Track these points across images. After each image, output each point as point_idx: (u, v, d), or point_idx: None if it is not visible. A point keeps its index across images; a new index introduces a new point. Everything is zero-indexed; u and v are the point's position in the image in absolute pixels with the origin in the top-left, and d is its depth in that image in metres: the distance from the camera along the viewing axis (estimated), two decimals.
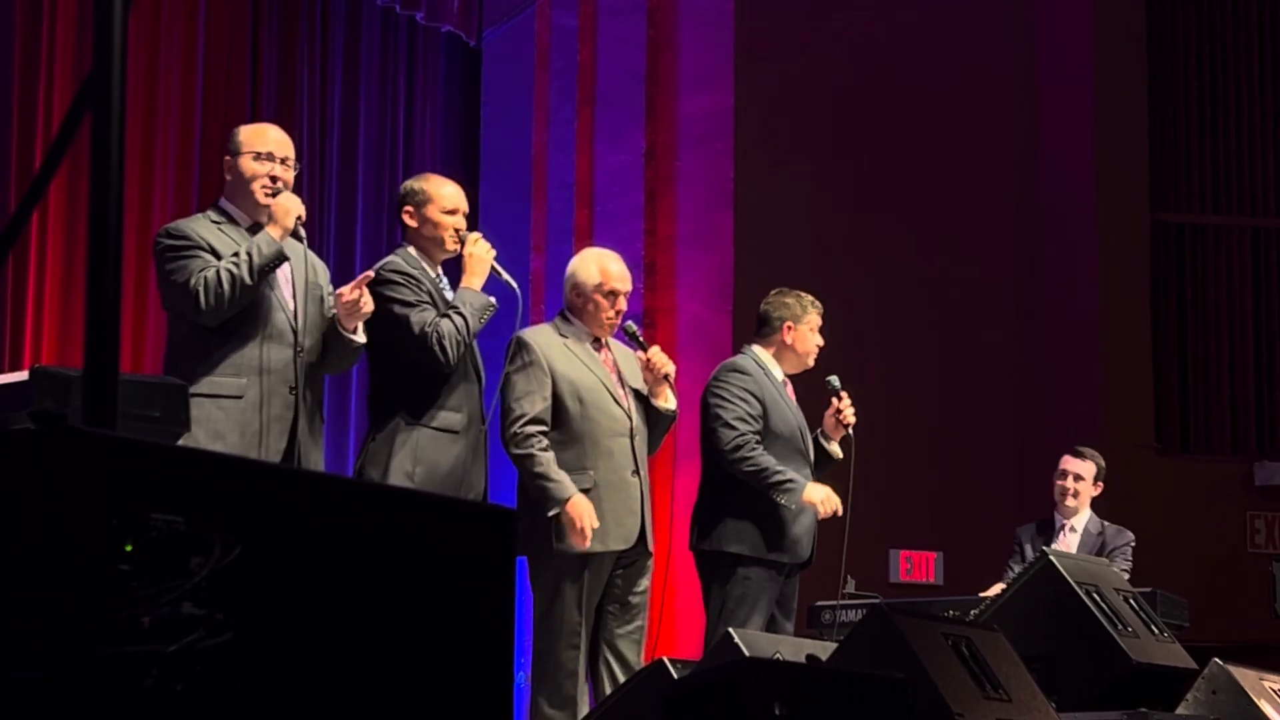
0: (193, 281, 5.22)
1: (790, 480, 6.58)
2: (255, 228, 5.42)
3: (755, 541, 6.61)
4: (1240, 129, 11.35)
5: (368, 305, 5.48)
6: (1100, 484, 8.24)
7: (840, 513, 6.61)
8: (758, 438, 6.68)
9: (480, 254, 5.84)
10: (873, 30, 10.74)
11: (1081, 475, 8.20)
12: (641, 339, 6.50)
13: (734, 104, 10.23)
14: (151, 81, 8.84)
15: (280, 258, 5.34)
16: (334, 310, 5.54)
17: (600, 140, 10.27)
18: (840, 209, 10.50)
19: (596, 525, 6.00)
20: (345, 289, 5.47)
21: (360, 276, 5.53)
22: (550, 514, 6.00)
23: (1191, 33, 11.39)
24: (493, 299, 5.85)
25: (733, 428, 6.68)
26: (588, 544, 5.99)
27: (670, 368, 6.35)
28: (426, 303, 5.74)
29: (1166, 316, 11.11)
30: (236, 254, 5.26)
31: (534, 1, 10.43)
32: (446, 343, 5.66)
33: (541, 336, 6.29)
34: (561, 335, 6.30)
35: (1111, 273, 10.86)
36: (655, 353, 6.35)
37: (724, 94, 10.25)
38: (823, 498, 6.57)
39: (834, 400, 6.91)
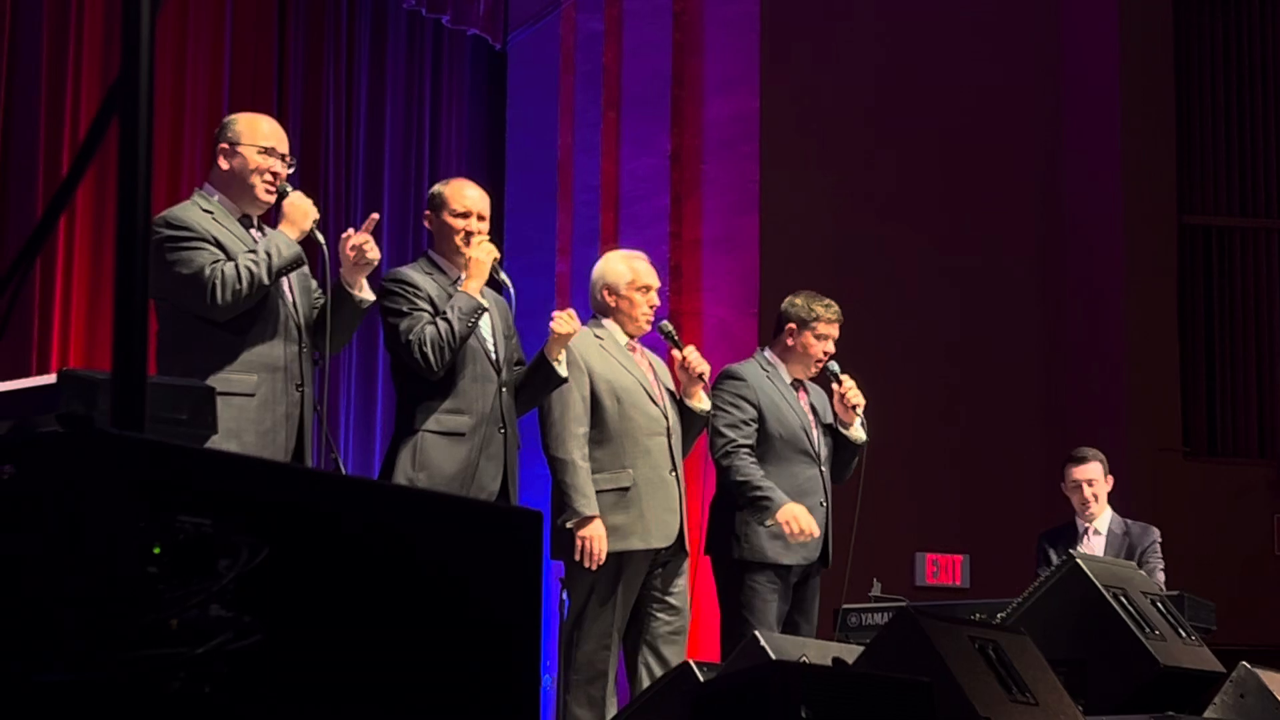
0: (206, 274, 5.12)
1: (766, 498, 6.57)
2: (245, 219, 5.38)
3: (759, 545, 6.63)
4: (1268, 131, 11.31)
5: (372, 253, 5.40)
6: (1110, 477, 8.20)
7: (816, 534, 6.59)
8: (748, 447, 6.70)
9: (480, 256, 5.80)
10: (897, 34, 10.73)
11: (1093, 479, 8.15)
12: (677, 338, 6.54)
13: (760, 108, 10.23)
14: (178, 85, 8.86)
15: (299, 261, 5.30)
16: (324, 295, 5.50)
17: (626, 144, 10.27)
18: (865, 213, 10.50)
19: (603, 561, 6.03)
20: (354, 232, 5.41)
21: (366, 221, 5.47)
22: (567, 523, 6.03)
23: (1218, 34, 11.35)
24: (484, 302, 5.79)
25: (722, 435, 6.71)
26: (593, 566, 6.02)
27: (704, 367, 6.39)
28: (421, 310, 5.73)
29: (1193, 319, 11.08)
30: (254, 251, 5.20)
31: (560, 5, 10.44)
32: (429, 349, 5.64)
33: (577, 337, 6.32)
34: (597, 337, 6.35)
35: (1138, 276, 10.83)
36: (690, 352, 6.39)
37: (750, 98, 10.24)
38: (788, 519, 6.53)
39: (834, 385, 6.89)
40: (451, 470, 5.71)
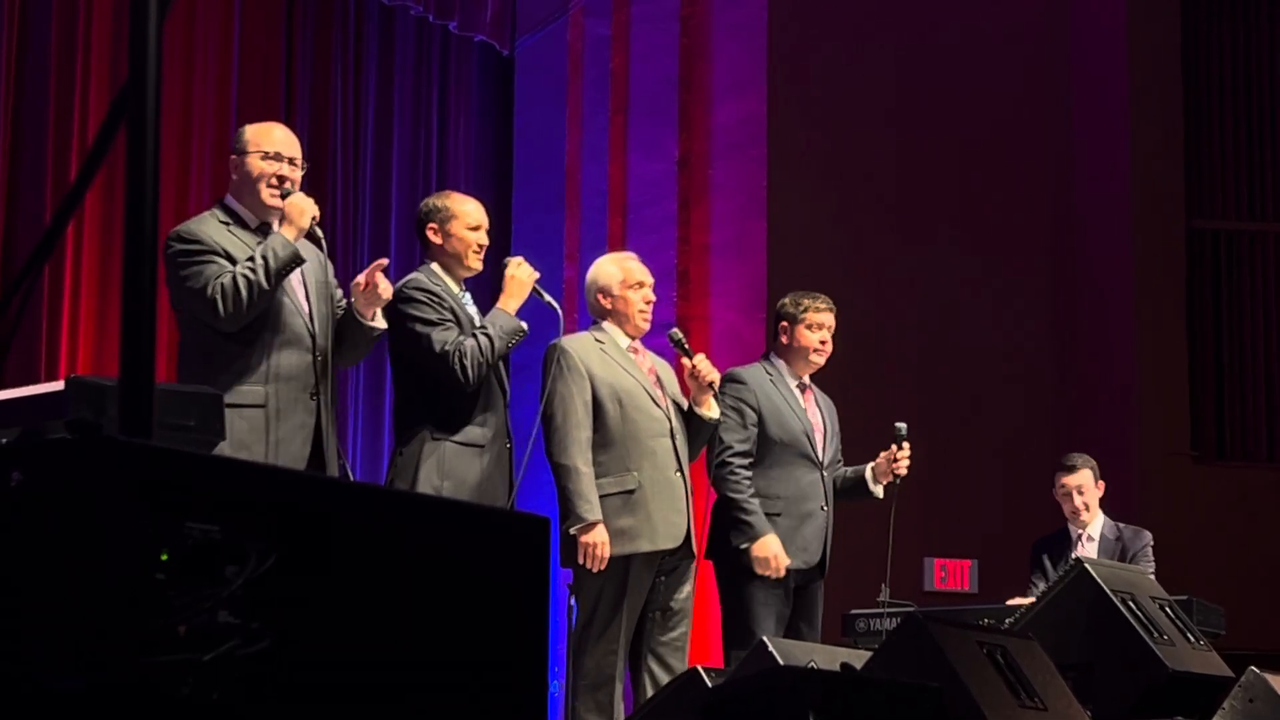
0: (210, 289, 5.17)
1: (748, 523, 6.57)
2: (263, 227, 5.40)
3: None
4: (1276, 135, 11.29)
5: (385, 291, 5.45)
6: (1101, 483, 8.22)
7: (782, 573, 6.56)
8: (743, 454, 6.69)
9: (522, 277, 5.86)
10: (906, 38, 10.72)
11: (1083, 487, 8.16)
12: (687, 346, 6.53)
13: (767, 112, 10.22)
14: (186, 92, 8.86)
15: (296, 260, 5.30)
16: (347, 300, 5.55)
17: (633, 148, 10.27)
18: (873, 217, 10.49)
19: (604, 567, 6.02)
20: (360, 277, 5.45)
21: (373, 264, 5.48)
22: (571, 529, 6.03)
23: (1226, 38, 11.34)
24: (524, 325, 5.85)
25: (720, 441, 6.69)
26: (595, 570, 6.02)
27: (714, 376, 6.38)
28: (449, 321, 5.75)
29: (1202, 323, 11.06)
30: (252, 258, 5.22)
31: (567, 10, 10.44)
32: (468, 362, 5.66)
33: (578, 343, 6.34)
34: (598, 341, 6.34)
35: (1147, 279, 10.81)
36: (700, 360, 6.38)
37: (757, 102, 10.24)
38: (764, 555, 6.53)
39: (893, 446, 6.87)
40: (473, 481, 5.75)
